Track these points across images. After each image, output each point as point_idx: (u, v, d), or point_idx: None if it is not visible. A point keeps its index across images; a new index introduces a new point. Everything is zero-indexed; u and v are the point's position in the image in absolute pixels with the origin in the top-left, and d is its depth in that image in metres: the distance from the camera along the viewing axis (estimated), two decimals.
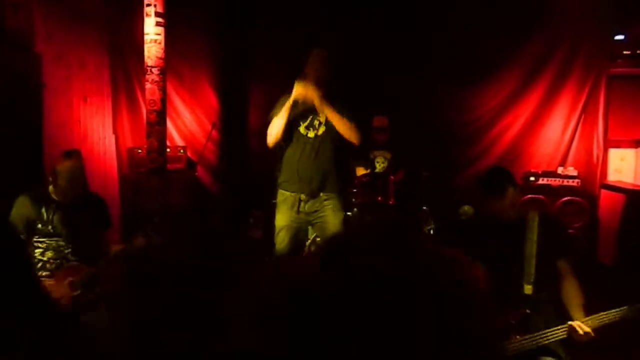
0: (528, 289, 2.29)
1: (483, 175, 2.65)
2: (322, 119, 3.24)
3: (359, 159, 4.61)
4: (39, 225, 2.71)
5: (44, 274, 2.65)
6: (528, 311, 2.24)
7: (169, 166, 4.98)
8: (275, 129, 3.20)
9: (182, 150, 5.58)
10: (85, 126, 4.93)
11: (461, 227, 2.60)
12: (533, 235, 2.32)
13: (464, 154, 5.60)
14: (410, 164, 4.73)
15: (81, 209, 2.81)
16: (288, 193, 3.27)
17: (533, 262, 2.29)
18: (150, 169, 4.62)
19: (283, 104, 3.19)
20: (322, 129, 3.24)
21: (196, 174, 5.62)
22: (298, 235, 3.36)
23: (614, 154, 5.12)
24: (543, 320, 2.26)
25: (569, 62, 5.25)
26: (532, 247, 2.31)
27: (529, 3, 5.16)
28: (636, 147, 5.07)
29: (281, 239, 3.26)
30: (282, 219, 3.27)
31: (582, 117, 5.28)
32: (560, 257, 2.37)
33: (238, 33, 5.95)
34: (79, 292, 2.58)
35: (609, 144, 5.13)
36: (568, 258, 2.38)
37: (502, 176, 2.47)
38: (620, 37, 4.95)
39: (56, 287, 2.55)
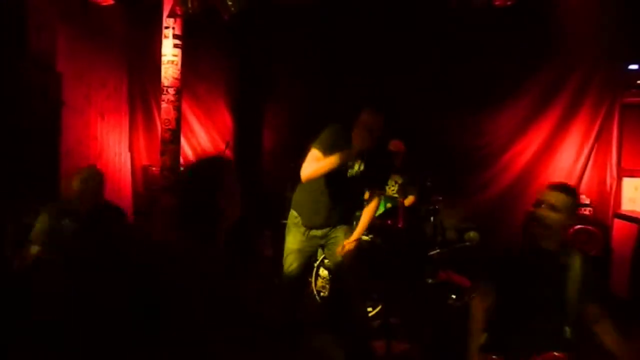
0: (569, 332, 2.22)
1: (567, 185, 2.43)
2: (357, 166, 3.10)
3: None
4: (56, 239, 2.78)
5: None
6: (568, 355, 2.16)
7: None
8: (318, 172, 2.98)
9: None
10: (102, 143, 5.05)
11: (507, 260, 2.47)
12: (576, 276, 2.22)
13: (475, 180, 5.59)
14: (421, 188, 4.74)
15: (97, 221, 2.87)
16: (300, 218, 3.20)
17: (574, 304, 2.21)
18: (163, 186, 4.69)
19: (336, 143, 2.98)
20: (355, 172, 3.11)
21: None
22: (308, 259, 3.29)
23: (628, 184, 5.06)
24: None
25: (582, 91, 5.24)
26: (574, 290, 2.21)
27: (543, 31, 5.19)
28: None
29: (290, 262, 3.18)
30: (293, 242, 3.19)
31: (595, 146, 5.24)
32: (593, 302, 2.25)
33: (253, 54, 6.08)
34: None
35: (623, 173, 5.08)
36: (600, 302, 2.27)
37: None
38: (634, 66, 4.94)
39: None
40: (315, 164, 2.94)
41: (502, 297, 2.29)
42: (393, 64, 5.54)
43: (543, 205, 2.26)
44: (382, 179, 3.27)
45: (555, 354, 2.15)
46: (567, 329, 2.21)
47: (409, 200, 4.62)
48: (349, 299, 3.18)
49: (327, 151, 2.94)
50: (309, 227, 3.18)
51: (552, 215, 2.22)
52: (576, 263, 2.24)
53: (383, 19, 5.49)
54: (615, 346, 2.18)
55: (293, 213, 3.25)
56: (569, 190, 2.30)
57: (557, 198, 2.24)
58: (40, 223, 2.81)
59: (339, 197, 3.11)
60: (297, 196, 3.25)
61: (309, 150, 3.02)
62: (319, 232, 3.18)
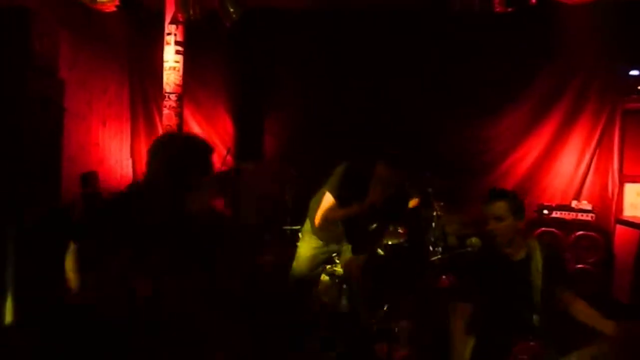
0: (536, 320, 2.27)
1: (501, 190, 2.50)
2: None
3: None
4: None
5: None
6: (539, 343, 2.21)
7: None
8: (331, 220, 3.11)
9: None
10: (103, 149, 5.06)
11: (468, 260, 2.59)
12: (538, 266, 2.31)
13: (476, 186, 5.58)
14: (422, 194, 4.73)
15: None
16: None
17: (539, 292, 2.29)
18: None
19: (349, 189, 3.06)
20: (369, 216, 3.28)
21: None
22: (318, 266, 3.39)
23: (630, 189, 5.05)
24: (555, 352, 2.23)
25: (582, 96, 5.25)
26: (538, 278, 2.30)
27: (542, 36, 5.21)
28: None
29: (300, 269, 3.27)
30: (308, 248, 3.27)
31: (597, 151, 5.24)
32: (564, 289, 2.35)
33: (255, 59, 6.09)
34: None
35: (624, 179, 5.07)
36: (571, 289, 2.36)
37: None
38: (635, 72, 4.95)
39: None
40: (330, 212, 3.05)
41: (479, 307, 2.35)
42: (398, 67, 5.55)
43: (489, 220, 2.34)
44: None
45: (531, 343, 2.20)
46: (535, 317, 2.27)
47: (413, 202, 4.61)
48: (352, 303, 3.21)
49: (341, 198, 3.04)
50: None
51: (500, 225, 2.31)
52: (536, 252, 2.33)
53: (387, 22, 5.51)
54: (593, 322, 2.23)
55: (309, 223, 3.31)
56: (505, 194, 2.38)
57: (497, 208, 2.32)
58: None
59: (354, 233, 3.27)
60: (313, 219, 3.27)
61: (323, 193, 3.09)
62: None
